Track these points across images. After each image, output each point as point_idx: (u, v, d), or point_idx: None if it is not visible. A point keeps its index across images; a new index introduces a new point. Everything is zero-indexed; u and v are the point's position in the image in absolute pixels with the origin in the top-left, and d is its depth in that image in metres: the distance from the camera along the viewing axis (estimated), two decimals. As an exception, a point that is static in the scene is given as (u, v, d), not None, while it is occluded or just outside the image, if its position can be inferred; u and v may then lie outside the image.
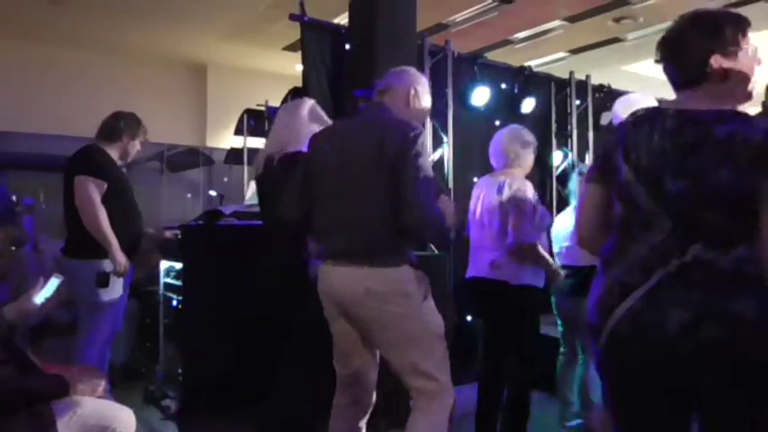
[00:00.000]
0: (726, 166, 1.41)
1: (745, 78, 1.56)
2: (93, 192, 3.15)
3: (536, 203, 3.03)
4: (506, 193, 3.05)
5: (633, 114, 1.62)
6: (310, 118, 2.82)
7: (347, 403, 2.32)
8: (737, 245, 1.42)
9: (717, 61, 1.52)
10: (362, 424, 2.33)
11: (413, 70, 2.41)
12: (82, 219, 3.15)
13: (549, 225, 3.33)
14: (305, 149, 2.47)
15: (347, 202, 2.13)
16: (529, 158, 3.19)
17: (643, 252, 1.50)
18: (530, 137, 3.20)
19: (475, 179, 3.33)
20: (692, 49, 1.54)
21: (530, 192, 3.06)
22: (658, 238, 1.48)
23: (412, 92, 2.29)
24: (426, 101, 2.36)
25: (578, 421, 3.51)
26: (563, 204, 4.05)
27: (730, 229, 1.43)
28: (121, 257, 3.17)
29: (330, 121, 2.81)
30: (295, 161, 2.55)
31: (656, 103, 2.19)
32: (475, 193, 3.22)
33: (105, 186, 3.20)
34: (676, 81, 1.62)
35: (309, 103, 2.91)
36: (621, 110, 2.90)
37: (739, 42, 1.54)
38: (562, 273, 3.20)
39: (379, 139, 2.07)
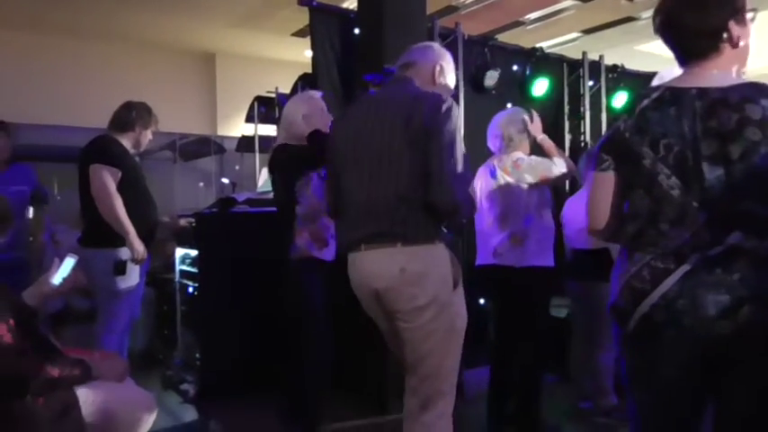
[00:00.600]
0: (765, 149, 1.38)
1: (748, 47, 1.53)
2: (108, 180, 3.18)
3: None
4: (500, 179, 3.05)
5: (648, 96, 1.55)
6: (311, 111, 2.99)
7: (409, 390, 2.12)
8: None
9: (733, 29, 1.49)
10: (419, 413, 2.06)
11: (437, 45, 2.31)
12: (98, 207, 3.18)
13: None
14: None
15: (373, 181, 2.00)
16: (525, 142, 3.15)
17: (675, 242, 1.45)
18: (524, 116, 3.14)
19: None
20: (709, 17, 1.49)
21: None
22: (692, 230, 1.44)
23: (438, 68, 2.18)
24: (451, 78, 2.25)
25: (590, 403, 3.52)
26: (575, 187, 4.02)
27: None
28: (139, 245, 3.20)
29: (329, 116, 2.96)
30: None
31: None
32: (476, 179, 3.19)
33: (120, 175, 3.22)
34: (686, 53, 1.55)
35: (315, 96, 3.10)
36: None
37: (746, 7, 1.50)
38: None
39: (408, 111, 1.95)
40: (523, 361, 3.13)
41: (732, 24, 1.49)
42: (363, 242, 2.01)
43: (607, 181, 1.60)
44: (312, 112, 2.97)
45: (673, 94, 1.51)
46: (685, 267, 1.43)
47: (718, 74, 1.51)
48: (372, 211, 1.99)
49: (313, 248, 2.80)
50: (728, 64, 1.53)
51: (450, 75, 2.24)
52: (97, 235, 3.22)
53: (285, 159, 2.95)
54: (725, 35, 1.50)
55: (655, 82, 2.66)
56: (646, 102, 1.54)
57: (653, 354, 1.52)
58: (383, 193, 1.98)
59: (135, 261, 3.22)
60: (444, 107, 1.95)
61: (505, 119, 3.17)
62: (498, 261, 3.02)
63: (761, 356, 1.42)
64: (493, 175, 3.07)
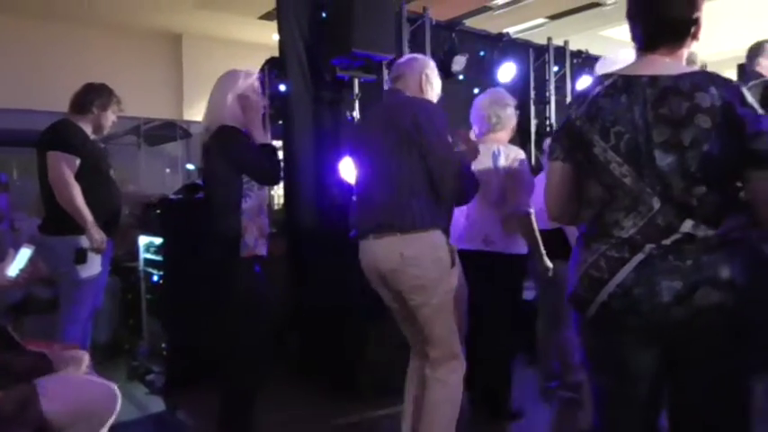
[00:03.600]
0: (714, 136, 1.40)
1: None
2: (64, 168, 3.10)
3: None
4: (503, 163, 3.04)
5: (599, 83, 1.55)
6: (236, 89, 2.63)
7: (416, 357, 2.52)
8: (726, 216, 1.42)
9: (700, 21, 1.51)
10: (428, 372, 2.42)
11: (421, 56, 2.63)
12: (55, 195, 3.11)
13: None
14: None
15: (375, 181, 2.36)
16: (511, 120, 3.18)
17: (630, 232, 1.47)
18: (509, 98, 3.19)
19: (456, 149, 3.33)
20: (690, 8, 1.50)
21: (525, 160, 3.08)
22: (646, 218, 1.46)
23: (423, 77, 2.48)
24: (437, 83, 2.55)
25: (557, 382, 3.59)
26: (541, 169, 4.07)
27: (720, 201, 1.43)
28: (98, 234, 3.14)
29: (260, 99, 2.67)
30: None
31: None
32: None
33: (78, 162, 3.15)
34: (653, 40, 1.54)
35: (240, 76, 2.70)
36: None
37: None
38: (549, 265, 3.17)
39: (393, 117, 2.32)
40: (498, 345, 3.17)
41: (700, 17, 1.51)
42: (371, 232, 2.36)
43: (559, 170, 1.63)
44: (249, 92, 2.63)
45: (624, 81, 1.52)
46: (640, 256, 1.46)
47: (670, 62, 1.53)
48: (377, 205, 2.34)
49: (258, 245, 2.58)
50: (683, 53, 1.55)
51: (435, 81, 2.54)
52: (58, 222, 3.15)
53: (238, 147, 2.56)
54: (693, 28, 1.52)
55: (597, 69, 2.68)
56: (597, 89, 1.54)
57: (612, 340, 1.56)
58: (386, 190, 2.31)
59: (94, 250, 3.15)
60: (432, 108, 2.32)
61: (488, 99, 3.18)
62: (489, 248, 3.04)
63: (715, 339, 1.46)
64: (495, 159, 3.06)
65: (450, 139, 2.35)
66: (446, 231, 2.36)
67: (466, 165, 2.40)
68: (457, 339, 2.39)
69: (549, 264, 3.18)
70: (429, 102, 2.40)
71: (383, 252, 2.32)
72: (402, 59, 2.62)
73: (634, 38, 1.59)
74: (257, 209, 2.58)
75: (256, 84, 2.70)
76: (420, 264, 2.26)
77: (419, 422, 2.41)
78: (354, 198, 2.56)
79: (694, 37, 1.54)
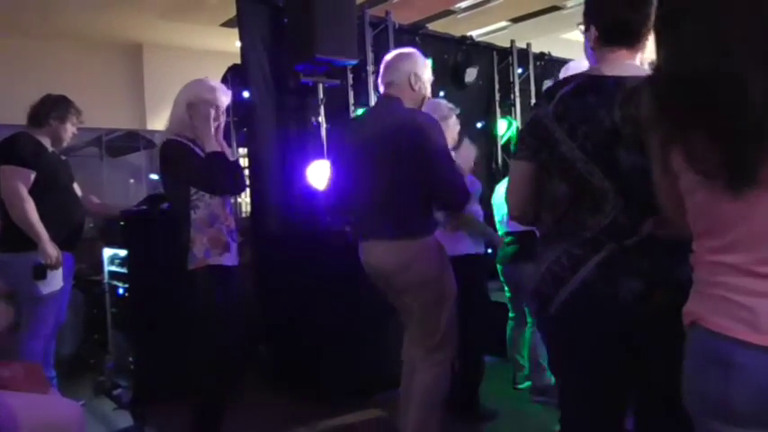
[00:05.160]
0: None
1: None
2: (17, 182, 3.03)
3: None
4: None
5: (567, 82, 1.56)
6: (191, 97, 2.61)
7: (411, 345, 2.64)
8: None
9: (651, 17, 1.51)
10: (426, 356, 2.56)
11: (407, 54, 2.60)
12: (8, 211, 3.03)
13: (479, 192, 3.35)
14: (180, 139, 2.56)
15: (378, 188, 2.45)
16: (451, 130, 3.14)
17: (594, 231, 1.49)
18: (447, 109, 3.13)
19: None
20: (649, 8, 1.51)
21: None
22: (610, 217, 1.47)
23: (412, 77, 2.53)
24: (427, 75, 2.59)
25: (529, 383, 3.62)
26: (506, 173, 4.10)
27: None
28: (51, 250, 3.05)
29: (218, 98, 2.62)
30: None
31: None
32: None
33: (33, 175, 3.07)
34: (610, 39, 1.56)
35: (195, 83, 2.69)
36: None
37: None
38: (498, 234, 3.28)
39: (396, 134, 2.40)
40: (465, 345, 3.17)
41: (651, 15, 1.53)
42: (369, 236, 2.52)
43: (524, 168, 1.63)
44: (197, 101, 2.58)
45: (592, 82, 1.54)
46: (602, 254, 1.47)
47: (630, 64, 1.56)
48: (375, 212, 2.48)
49: (210, 255, 2.50)
50: (639, 55, 1.58)
51: (424, 75, 2.58)
52: (14, 238, 3.05)
53: (176, 160, 2.56)
54: (647, 28, 1.54)
55: (562, 74, 2.71)
56: (565, 89, 1.55)
57: (574, 338, 1.57)
58: (385, 199, 2.44)
59: (49, 267, 3.07)
60: (432, 127, 2.41)
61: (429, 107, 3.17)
62: None
63: (675, 339, 1.48)
64: None
65: (452, 155, 2.51)
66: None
67: (461, 177, 2.54)
68: (455, 332, 2.57)
69: (498, 233, 3.31)
70: (429, 121, 2.47)
71: (381, 255, 2.46)
72: (390, 58, 2.61)
73: (592, 38, 1.60)
74: (208, 219, 2.52)
75: (212, 91, 2.61)
76: (421, 264, 2.43)
77: (409, 402, 2.54)
78: (344, 201, 2.64)
79: (646, 37, 1.56)
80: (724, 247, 1.10)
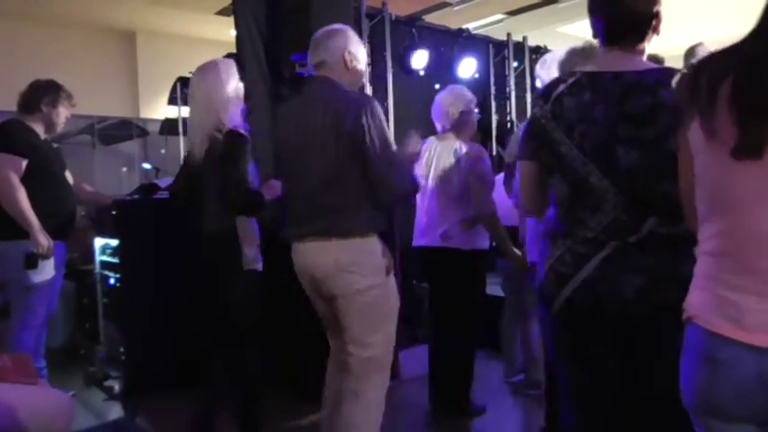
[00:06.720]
0: (677, 133, 1.40)
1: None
2: (8, 170, 2.99)
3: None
4: (465, 161, 3.04)
5: (563, 80, 1.55)
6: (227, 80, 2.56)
7: (336, 370, 2.34)
8: None
9: (659, 15, 1.51)
10: (349, 384, 2.25)
11: (339, 31, 2.30)
12: (0, 199, 2.99)
13: (494, 182, 3.35)
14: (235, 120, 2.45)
15: (310, 181, 2.17)
16: (473, 117, 3.18)
17: (595, 231, 1.49)
18: (470, 95, 3.19)
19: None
20: (651, 3, 1.50)
21: (487, 159, 3.08)
22: (611, 216, 1.47)
23: (347, 56, 2.25)
24: (362, 54, 2.32)
25: (522, 377, 3.62)
26: (502, 165, 4.09)
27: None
28: (43, 239, 3.01)
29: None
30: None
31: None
32: (424, 157, 3.13)
33: (24, 163, 3.03)
34: (615, 35, 1.54)
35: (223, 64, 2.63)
36: (545, 73, 2.61)
37: None
38: (519, 254, 3.07)
39: (333, 118, 2.10)
40: (460, 340, 3.18)
41: (660, 10, 1.52)
42: (304, 234, 2.21)
43: (527, 168, 1.65)
44: (239, 90, 2.61)
45: (588, 78, 1.52)
46: (604, 252, 1.47)
47: (632, 58, 1.54)
48: (312, 206, 2.18)
49: (259, 261, 2.50)
50: (644, 49, 1.56)
51: (359, 53, 2.30)
52: (5, 226, 3.01)
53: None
54: (654, 21, 1.53)
55: (539, 67, 2.68)
56: (562, 87, 1.54)
57: (578, 334, 1.57)
58: (320, 191, 2.14)
59: (40, 256, 3.03)
60: (363, 109, 2.09)
61: (449, 96, 3.17)
62: (447, 244, 3.04)
63: (677, 335, 1.48)
64: (457, 157, 3.05)
65: (390, 139, 2.18)
66: (383, 236, 2.23)
67: (405, 166, 2.26)
68: (390, 352, 2.25)
69: (518, 253, 3.09)
70: (368, 100, 2.18)
71: (318, 257, 2.17)
72: (317, 36, 2.29)
73: (596, 33, 1.59)
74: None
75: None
76: (356, 270, 2.13)
77: None
78: (282, 194, 2.43)
79: (655, 30, 1.54)
80: (720, 233, 1.10)
